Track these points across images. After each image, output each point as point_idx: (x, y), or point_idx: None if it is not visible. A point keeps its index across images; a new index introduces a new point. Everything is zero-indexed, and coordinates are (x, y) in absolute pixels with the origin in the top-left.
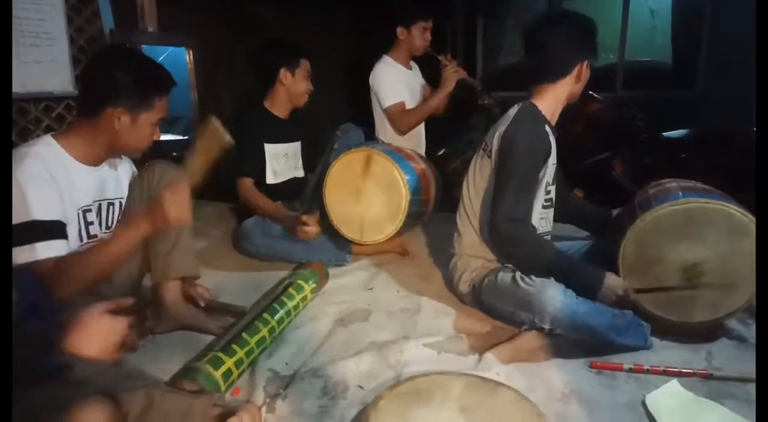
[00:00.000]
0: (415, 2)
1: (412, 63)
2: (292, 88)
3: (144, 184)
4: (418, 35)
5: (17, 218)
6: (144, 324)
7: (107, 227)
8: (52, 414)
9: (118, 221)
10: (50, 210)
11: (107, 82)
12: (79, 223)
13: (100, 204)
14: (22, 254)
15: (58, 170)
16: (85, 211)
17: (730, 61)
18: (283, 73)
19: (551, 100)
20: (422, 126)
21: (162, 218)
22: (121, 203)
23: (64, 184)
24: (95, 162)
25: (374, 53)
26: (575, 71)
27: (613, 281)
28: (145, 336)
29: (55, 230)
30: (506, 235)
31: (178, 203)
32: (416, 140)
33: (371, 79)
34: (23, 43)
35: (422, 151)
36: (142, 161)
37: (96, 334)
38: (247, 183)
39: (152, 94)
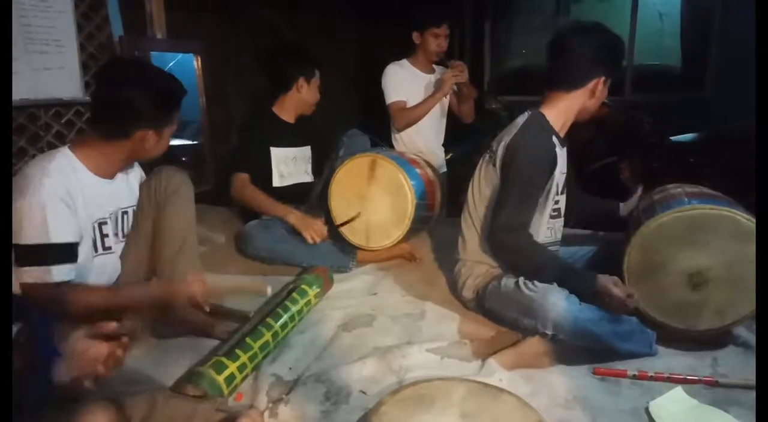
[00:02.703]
0: (428, 8)
1: (443, 69)
2: (306, 96)
3: (152, 189)
4: (431, 41)
5: (35, 238)
6: (125, 348)
7: (124, 236)
8: (56, 418)
9: (131, 227)
10: (67, 232)
11: (137, 108)
12: (94, 235)
13: (115, 215)
14: (35, 274)
15: (76, 186)
16: (101, 223)
17: (739, 63)
18: (302, 82)
19: (562, 110)
20: (433, 135)
21: (175, 295)
22: (133, 210)
23: (81, 199)
24: (110, 175)
25: (386, 57)
26: (591, 85)
27: (604, 282)
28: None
29: (69, 253)
30: (503, 244)
31: (194, 288)
32: (422, 146)
33: (382, 78)
34: (33, 50)
35: (433, 157)
36: (149, 166)
37: (78, 359)
38: (241, 177)
39: (174, 110)
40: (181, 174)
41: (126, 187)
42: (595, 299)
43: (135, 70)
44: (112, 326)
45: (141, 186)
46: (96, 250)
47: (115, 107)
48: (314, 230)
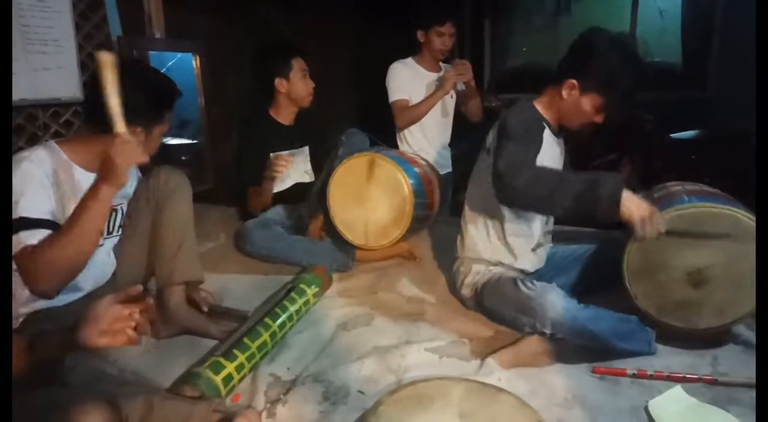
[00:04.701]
0: (432, 7)
1: (449, 67)
2: (291, 93)
3: (150, 189)
4: (436, 39)
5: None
6: (151, 311)
7: (108, 233)
8: (52, 418)
9: (120, 226)
10: (39, 210)
11: (125, 105)
12: None
13: None
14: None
15: (59, 176)
16: None
17: (741, 60)
18: (278, 82)
19: (547, 103)
20: (437, 134)
21: (113, 170)
22: (122, 209)
23: (66, 190)
24: None
25: (385, 56)
26: (563, 84)
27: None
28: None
29: (41, 223)
30: (511, 186)
31: (122, 149)
32: (426, 146)
33: (386, 77)
34: (31, 51)
35: (438, 156)
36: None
37: (110, 324)
38: (254, 190)
39: (164, 109)
40: (179, 173)
41: None
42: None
43: (128, 68)
44: (139, 288)
45: (139, 185)
46: None
47: (100, 104)
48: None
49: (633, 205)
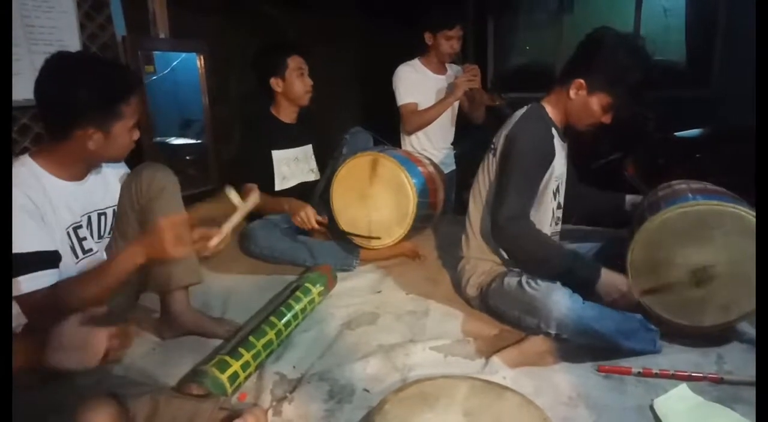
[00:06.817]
0: (440, 10)
1: (456, 67)
2: (288, 92)
3: (132, 191)
4: (444, 43)
5: None
6: (128, 334)
7: (99, 237)
8: (59, 415)
9: (112, 229)
10: (30, 241)
11: (68, 104)
12: (71, 240)
13: (89, 216)
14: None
15: (39, 193)
16: (76, 228)
17: (745, 59)
18: (274, 82)
19: (555, 104)
20: (441, 134)
21: (159, 250)
22: (114, 211)
23: (47, 206)
24: (78, 177)
25: (390, 56)
26: (571, 84)
27: (611, 279)
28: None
29: (35, 261)
30: (507, 233)
31: (176, 236)
32: (429, 146)
33: (393, 79)
34: (36, 51)
35: (441, 156)
36: (137, 161)
37: (74, 346)
38: (248, 187)
39: (118, 103)
40: (163, 171)
41: (102, 188)
42: (597, 293)
43: (67, 65)
44: (103, 310)
45: (122, 188)
46: (77, 256)
47: (46, 106)
48: (304, 214)
49: (611, 286)
